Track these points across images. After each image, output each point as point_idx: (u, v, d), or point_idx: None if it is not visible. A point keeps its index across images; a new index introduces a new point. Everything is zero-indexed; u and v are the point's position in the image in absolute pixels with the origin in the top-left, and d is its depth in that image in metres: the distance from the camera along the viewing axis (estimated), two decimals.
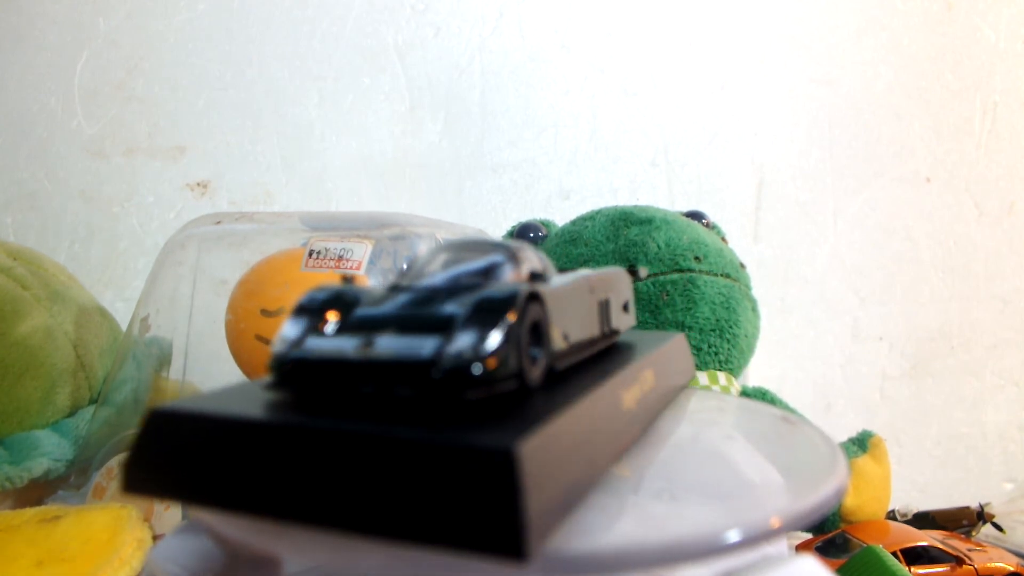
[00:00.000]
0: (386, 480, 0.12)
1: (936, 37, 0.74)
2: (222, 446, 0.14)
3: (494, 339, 0.14)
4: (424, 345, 0.14)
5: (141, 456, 0.15)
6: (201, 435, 0.14)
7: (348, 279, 0.18)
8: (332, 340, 0.15)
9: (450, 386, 0.13)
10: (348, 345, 0.15)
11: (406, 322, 0.15)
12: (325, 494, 0.13)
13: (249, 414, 0.14)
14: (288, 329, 0.16)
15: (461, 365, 0.13)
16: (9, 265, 0.41)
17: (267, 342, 0.38)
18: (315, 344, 0.15)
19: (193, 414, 0.14)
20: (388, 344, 0.14)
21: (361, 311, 0.16)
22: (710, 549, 0.13)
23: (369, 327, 0.15)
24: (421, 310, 0.15)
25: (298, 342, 0.15)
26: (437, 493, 0.12)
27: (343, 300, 0.16)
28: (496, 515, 0.11)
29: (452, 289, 0.16)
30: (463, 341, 0.14)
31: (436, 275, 0.17)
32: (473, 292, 0.15)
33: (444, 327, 0.14)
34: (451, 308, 0.15)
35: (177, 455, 0.14)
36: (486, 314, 0.14)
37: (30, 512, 0.31)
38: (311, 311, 0.16)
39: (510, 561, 0.11)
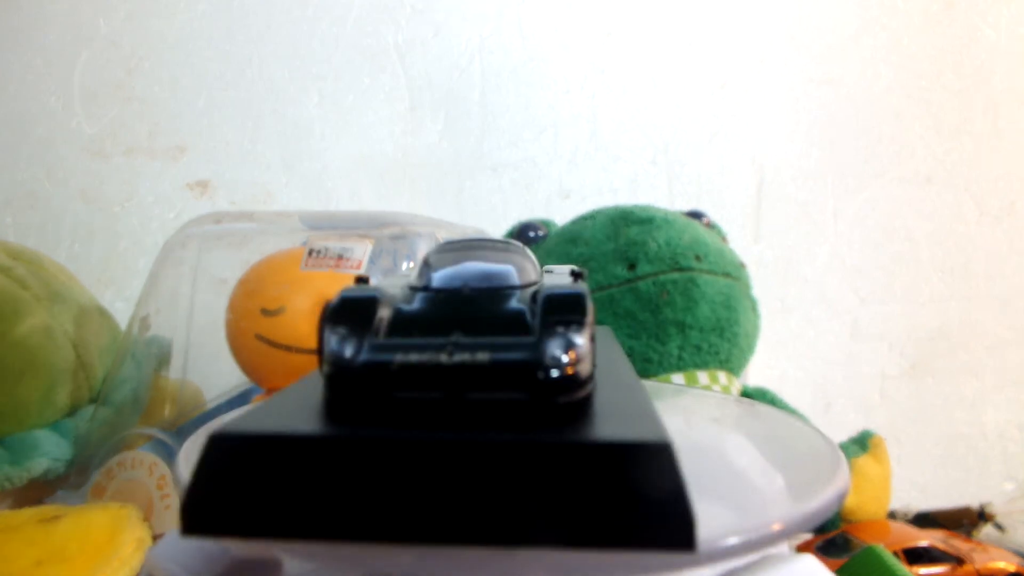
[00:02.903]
0: (543, 486, 0.12)
1: (936, 37, 0.74)
2: (326, 469, 0.12)
3: (584, 340, 0.13)
4: (518, 347, 0.13)
5: (207, 491, 0.12)
6: (293, 459, 0.12)
7: (363, 279, 0.17)
8: (414, 344, 0.14)
9: (555, 388, 0.13)
10: (432, 349, 0.13)
11: (472, 324, 0.14)
12: (469, 510, 0.12)
13: (359, 431, 0.12)
14: (340, 334, 0.14)
15: (564, 367, 0.13)
16: (9, 265, 0.41)
17: (268, 342, 0.38)
18: (396, 349, 0.14)
19: (276, 436, 0.12)
20: (479, 347, 0.13)
21: (410, 313, 0.15)
22: (710, 554, 0.13)
23: (428, 330, 0.14)
24: (478, 311, 0.15)
25: (362, 348, 0.14)
26: (598, 493, 0.12)
27: (382, 302, 0.15)
28: (663, 507, 0.11)
29: (494, 289, 0.15)
30: (556, 343, 0.13)
31: (452, 274, 0.16)
32: (517, 292, 0.15)
33: (513, 328, 0.14)
34: (511, 308, 0.14)
35: (259, 485, 0.12)
36: (567, 314, 0.14)
37: (29, 512, 0.31)
38: (355, 314, 0.14)
39: (679, 551, 0.11)
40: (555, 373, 0.13)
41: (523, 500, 0.12)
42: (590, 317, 0.14)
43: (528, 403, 0.13)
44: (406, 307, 0.15)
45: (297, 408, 0.14)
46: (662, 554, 0.11)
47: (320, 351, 0.14)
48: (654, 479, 0.12)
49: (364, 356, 0.14)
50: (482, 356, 0.13)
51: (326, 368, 0.14)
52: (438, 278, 0.16)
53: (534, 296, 0.15)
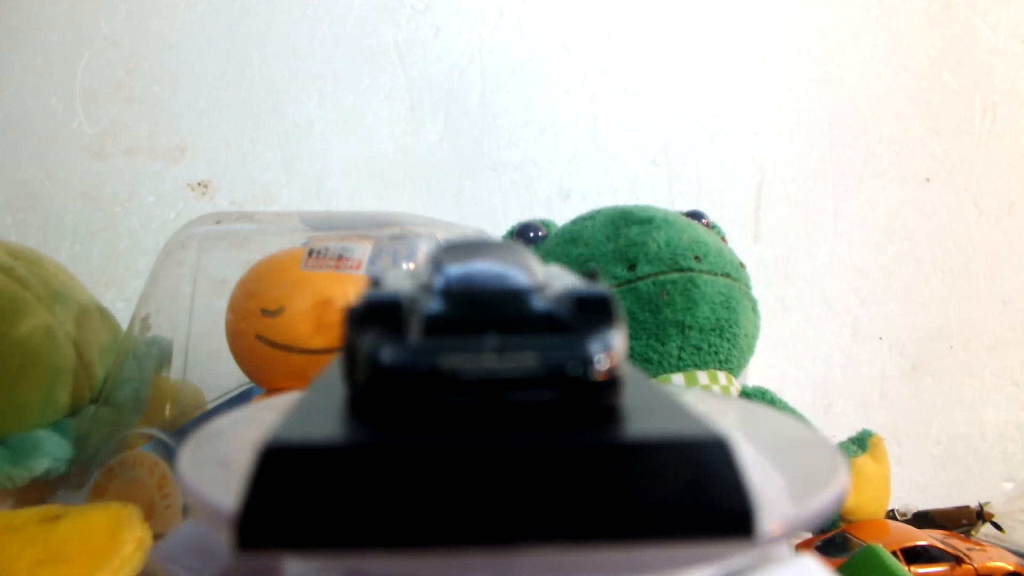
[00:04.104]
0: (615, 486, 0.12)
1: (936, 37, 0.74)
2: (391, 478, 0.12)
3: (621, 340, 0.14)
4: (560, 347, 0.13)
5: (262, 504, 0.12)
6: (353, 469, 0.12)
7: (376, 281, 0.17)
8: (456, 345, 0.13)
9: (600, 389, 0.13)
10: (474, 350, 0.13)
11: (505, 325, 0.14)
12: (542, 512, 0.12)
13: (425, 439, 0.12)
14: (374, 337, 0.14)
15: (608, 367, 0.13)
16: (10, 265, 0.41)
17: (268, 342, 0.39)
18: (439, 351, 0.13)
19: (336, 447, 0.12)
20: (524, 348, 0.13)
21: (440, 316, 0.14)
22: (709, 555, 0.13)
23: (462, 332, 0.14)
24: (506, 312, 0.14)
25: (401, 351, 0.13)
26: (663, 489, 0.12)
27: (408, 305, 0.15)
28: (724, 498, 0.12)
29: (514, 291, 0.15)
30: (598, 344, 0.13)
31: (467, 275, 0.16)
32: (535, 293, 0.15)
33: (546, 329, 0.14)
34: (539, 309, 0.14)
35: (318, 497, 0.12)
36: (599, 315, 0.14)
37: (30, 511, 0.31)
38: (385, 317, 0.14)
39: (740, 539, 0.12)
40: (601, 373, 0.13)
41: (595, 500, 0.12)
42: (620, 317, 0.14)
43: (565, 404, 0.13)
44: (434, 309, 0.14)
45: (331, 415, 0.14)
46: (723, 544, 0.12)
47: (348, 355, 0.14)
48: (715, 472, 0.12)
49: (405, 359, 0.13)
50: (528, 357, 0.13)
51: (363, 373, 0.13)
52: (454, 279, 0.16)
53: (554, 297, 0.15)
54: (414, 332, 0.14)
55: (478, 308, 0.15)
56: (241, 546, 0.12)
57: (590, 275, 0.17)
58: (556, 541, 0.12)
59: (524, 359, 0.13)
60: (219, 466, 0.16)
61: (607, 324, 0.14)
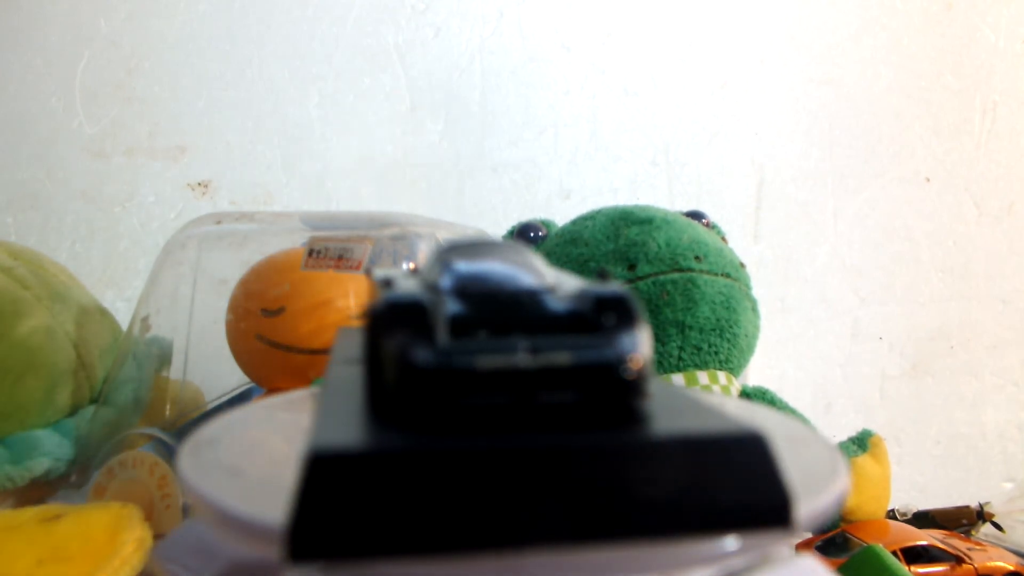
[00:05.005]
0: (656, 482, 0.12)
1: (936, 37, 0.74)
2: (447, 483, 0.12)
3: (646, 338, 0.14)
4: (593, 347, 0.13)
5: (313, 515, 0.11)
6: (408, 476, 0.12)
7: (388, 282, 0.16)
8: (489, 346, 0.13)
9: (633, 387, 0.13)
10: (507, 351, 0.13)
11: (531, 325, 0.14)
12: (591, 511, 0.12)
13: (480, 442, 0.12)
14: (403, 339, 0.13)
15: (641, 365, 0.13)
16: (10, 265, 0.41)
17: (268, 342, 0.39)
18: (473, 352, 0.13)
19: (391, 453, 0.12)
20: (559, 348, 0.13)
21: (463, 316, 0.14)
22: (708, 556, 0.13)
23: (487, 332, 0.14)
24: (528, 312, 0.14)
25: (433, 353, 0.13)
26: (705, 483, 0.12)
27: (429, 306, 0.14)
28: (764, 491, 0.13)
29: (529, 291, 0.15)
30: (628, 343, 0.13)
31: (478, 275, 0.16)
32: (548, 293, 0.15)
33: (572, 329, 0.14)
34: (559, 309, 0.14)
35: (373, 505, 0.11)
36: (623, 314, 0.14)
37: (31, 511, 0.31)
38: (410, 318, 0.14)
39: (779, 529, 0.12)
40: (635, 372, 0.13)
41: (644, 497, 0.12)
42: (643, 316, 0.14)
43: (598, 403, 0.13)
44: (455, 310, 0.14)
45: (356, 419, 0.14)
46: (763, 535, 0.13)
47: (371, 357, 0.14)
48: (754, 466, 0.13)
49: (440, 361, 0.13)
50: (563, 356, 0.13)
51: (391, 375, 0.13)
52: (465, 279, 0.15)
53: (570, 297, 0.15)
54: (441, 333, 0.13)
55: (498, 309, 0.14)
56: (293, 559, 0.11)
57: (601, 275, 0.17)
58: (609, 539, 0.12)
59: (559, 358, 0.13)
60: (220, 466, 0.16)
61: (633, 323, 0.14)
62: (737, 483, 0.12)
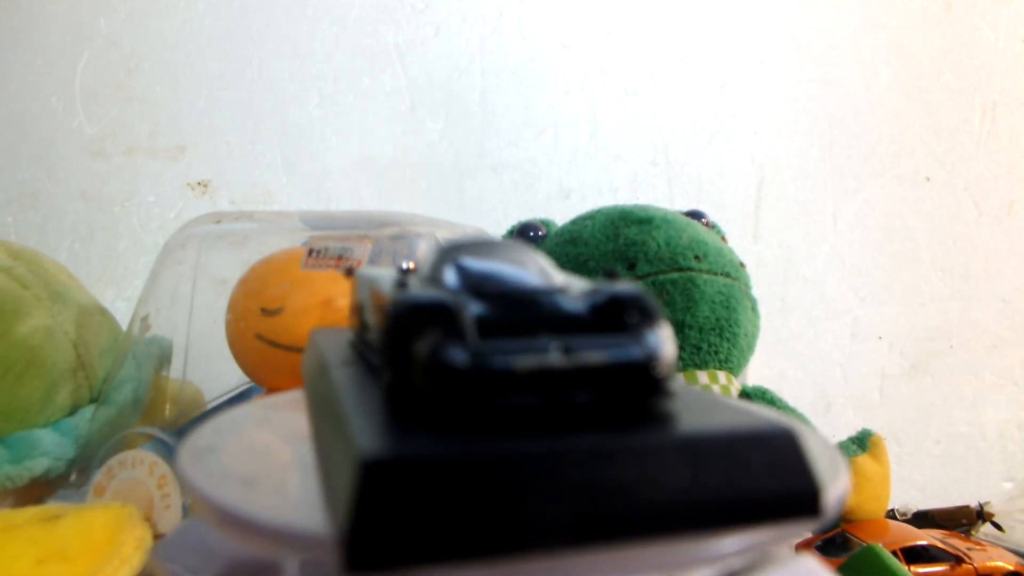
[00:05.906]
0: (698, 478, 0.13)
1: (936, 37, 0.74)
2: (502, 487, 0.12)
3: (669, 337, 0.14)
4: (622, 346, 0.13)
5: (370, 523, 0.11)
6: (463, 481, 0.12)
7: (403, 284, 0.16)
8: (521, 347, 0.13)
9: (662, 385, 0.14)
10: (539, 351, 0.13)
11: (555, 325, 0.14)
12: (640, 508, 0.12)
13: (527, 445, 0.12)
14: (433, 340, 0.13)
15: (669, 364, 0.14)
16: (10, 265, 0.41)
17: (268, 342, 0.39)
18: (505, 353, 0.13)
19: (445, 460, 0.12)
20: (591, 348, 0.13)
21: (487, 318, 0.14)
22: (708, 556, 0.13)
23: (513, 333, 0.14)
24: (549, 313, 0.14)
25: (465, 355, 0.13)
26: (743, 476, 0.13)
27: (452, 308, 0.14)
28: (797, 483, 0.13)
29: (544, 291, 0.15)
30: (655, 341, 0.14)
31: (491, 276, 0.16)
32: (561, 293, 0.15)
33: (595, 329, 0.14)
34: (579, 309, 0.14)
35: (427, 511, 0.11)
36: (644, 313, 0.14)
37: (30, 511, 0.31)
38: (436, 320, 0.13)
39: (809, 518, 0.13)
40: (665, 370, 0.13)
41: (688, 493, 0.12)
42: (662, 315, 0.14)
43: (630, 402, 0.13)
44: (477, 311, 0.14)
45: (386, 421, 0.13)
46: (795, 524, 0.13)
47: (397, 359, 0.13)
48: (787, 460, 0.13)
49: (477, 362, 0.13)
50: (595, 356, 0.13)
51: (421, 376, 0.13)
52: (477, 279, 0.15)
53: (583, 296, 0.15)
54: (471, 334, 0.13)
55: (520, 309, 0.14)
56: (352, 568, 0.11)
57: (609, 274, 0.17)
58: (658, 534, 0.12)
59: (592, 358, 0.13)
60: (220, 465, 0.16)
61: (656, 321, 0.14)
62: (772, 476, 0.13)
